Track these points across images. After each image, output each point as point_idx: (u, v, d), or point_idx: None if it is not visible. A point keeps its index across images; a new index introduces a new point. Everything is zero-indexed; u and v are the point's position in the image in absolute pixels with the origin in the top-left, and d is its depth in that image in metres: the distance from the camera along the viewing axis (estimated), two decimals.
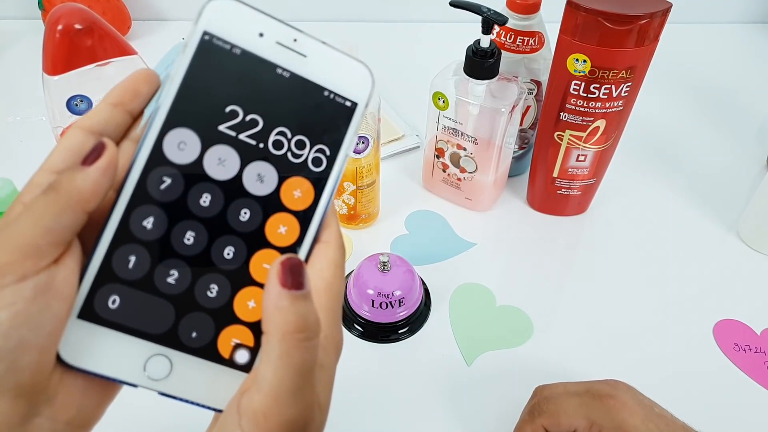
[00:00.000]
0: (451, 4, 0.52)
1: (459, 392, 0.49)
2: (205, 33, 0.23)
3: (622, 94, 0.52)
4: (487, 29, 0.52)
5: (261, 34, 0.23)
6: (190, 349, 0.23)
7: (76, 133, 0.23)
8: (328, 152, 0.24)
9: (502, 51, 0.55)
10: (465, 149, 0.59)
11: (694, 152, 0.73)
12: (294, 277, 0.22)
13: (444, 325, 0.53)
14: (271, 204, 0.24)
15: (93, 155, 0.22)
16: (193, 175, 0.23)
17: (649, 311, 0.55)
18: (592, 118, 0.54)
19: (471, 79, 0.54)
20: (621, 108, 0.53)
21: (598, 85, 0.51)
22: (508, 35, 0.57)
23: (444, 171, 0.63)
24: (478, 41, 0.53)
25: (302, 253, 0.24)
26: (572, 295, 0.57)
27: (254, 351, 0.23)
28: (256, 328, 0.23)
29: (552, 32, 0.55)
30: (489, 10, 0.51)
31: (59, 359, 0.21)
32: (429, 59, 0.65)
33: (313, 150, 0.24)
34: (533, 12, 0.56)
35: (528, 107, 0.62)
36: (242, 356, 0.23)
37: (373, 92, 0.25)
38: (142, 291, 0.22)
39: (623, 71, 0.50)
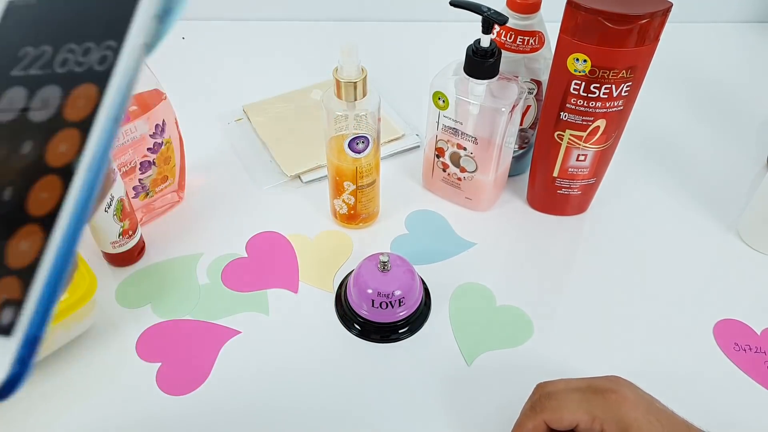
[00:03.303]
0: (451, 4, 0.52)
1: (459, 392, 0.49)
2: (8, 2, 0.23)
3: (623, 94, 0.52)
4: (487, 29, 0.52)
5: None
6: None
7: None
8: (114, 44, 0.21)
9: (503, 51, 0.55)
10: (465, 149, 0.59)
11: (694, 152, 0.73)
12: None
13: (444, 325, 0.53)
14: (54, 124, 0.21)
15: None
16: None
17: (649, 311, 0.55)
18: (592, 118, 0.54)
19: (471, 78, 0.54)
20: (621, 108, 0.53)
21: (598, 85, 0.51)
22: (509, 35, 0.57)
23: (444, 171, 0.63)
24: (478, 41, 0.53)
25: (82, 165, 0.20)
26: (572, 295, 0.57)
27: (19, 306, 0.19)
28: (26, 274, 0.19)
29: (552, 32, 0.55)
30: (489, 9, 0.51)
31: None
32: (429, 59, 0.65)
33: (100, 49, 0.21)
34: (533, 12, 0.56)
35: (528, 107, 0.62)
36: (6, 315, 0.19)
37: None
38: None
39: (623, 71, 0.50)
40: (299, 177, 0.67)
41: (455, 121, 0.57)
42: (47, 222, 0.19)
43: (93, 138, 0.20)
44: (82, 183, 0.20)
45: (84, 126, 0.20)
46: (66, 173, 0.20)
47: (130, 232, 0.55)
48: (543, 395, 0.40)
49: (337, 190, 0.58)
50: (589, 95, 0.52)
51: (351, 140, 0.53)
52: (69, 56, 0.22)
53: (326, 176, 0.60)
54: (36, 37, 0.23)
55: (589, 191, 0.62)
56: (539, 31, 0.57)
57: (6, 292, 0.19)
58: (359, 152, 0.54)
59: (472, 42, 0.54)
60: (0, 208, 0.20)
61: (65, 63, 0.22)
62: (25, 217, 0.20)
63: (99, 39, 0.22)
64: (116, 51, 0.21)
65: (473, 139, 0.57)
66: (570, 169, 0.59)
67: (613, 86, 0.51)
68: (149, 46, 0.22)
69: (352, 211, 0.60)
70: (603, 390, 0.39)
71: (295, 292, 0.56)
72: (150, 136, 0.56)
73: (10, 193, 0.20)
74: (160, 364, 0.50)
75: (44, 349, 0.48)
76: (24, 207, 0.20)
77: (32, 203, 0.20)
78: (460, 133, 0.58)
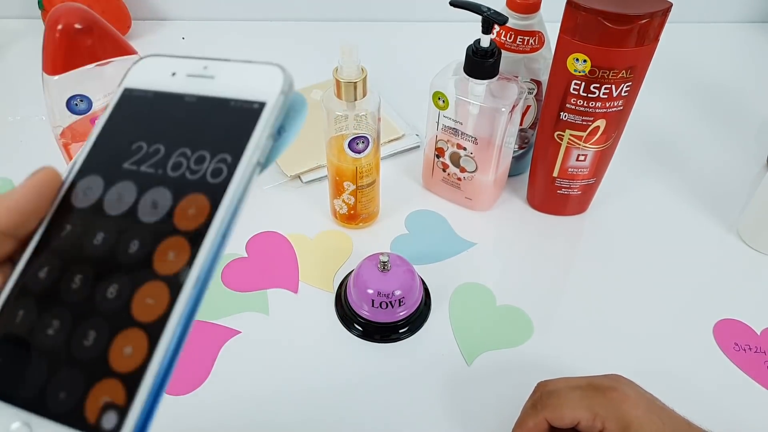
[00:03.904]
0: (451, 4, 0.52)
1: (459, 392, 0.49)
2: (125, 90, 0.25)
3: (622, 94, 0.52)
4: (487, 29, 0.52)
5: (173, 74, 0.24)
6: (53, 414, 0.19)
7: None
8: (230, 159, 0.22)
9: (502, 50, 0.55)
10: (465, 149, 0.59)
11: (694, 152, 0.73)
12: None
13: (444, 325, 0.53)
14: (163, 229, 0.21)
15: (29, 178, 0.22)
16: (92, 216, 0.22)
17: (649, 311, 0.55)
18: (592, 118, 0.54)
19: (471, 78, 0.54)
20: (621, 108, 0.53)
21: (598, 85, 0.51)
22: (508, 35, 0.57)
23: (444, 171, 0.63)
24: (478, 41, 0.53)
25: (190, 278, 0.20)
26: (572, 295, 0.57)
27: (124, 412, 0.19)
28: (131, 380, 0.19)
29: (552, 32, 0.55)
30: (489, 9, 0.51)
31: None
32: (429, 59, 0.65)
33: (214, 161, 0.22)
34: (533, 11, 0.56)
35: (528, 107, 0.62)
36: (110, 420, 0.19)
37: (288, 88, 0.23)
38: (22, 349, 0.21)
39: (623, 71, 0.50)
40: (299, 177, 0.67)
41: (455, 121, 0.57)
42: (152, 330, 0.20)
43: (203, 252, 0.20)
44: (189, 296, 0.20)
45: (193, 237, 0.21)
46: (173, 283, 0.20)
47: None
48: (544, 393, 0.40)
49: (337, 190, 0.58)
50: (589, 95, 0.52)
51: (351, 140, 0.53)
52: (182, 160, 0.22)
53: (326, 176, 0.60)
54: (150, 132, 0.23)
55: (589, 191, 0.62)
56: (539, 31, 0.58)
57: (109, 395, 0.19)
58: (359, 152, 0.54)
59: (472, 42, 0.54)
60: (104, 304, 0.20)
61: (178, 167, 0.22)
62: (130, 320, 0.20)
63: (214, 150, 0.22)
64: (231, 166, 0.22)
65: (473, 139, 0.57)
66: (570, 169, 0.59)
67: (613, 86, 0.51)
68: (262, 165, 0.23)
69: (352, 211, 0.60)
70: (604, 388, 0.39)
71: (295, 292, 0.56)
72: None
73: (115, 292, 0.21)
74: None
75: None
76: (129, 309, 0.20)
77: (137, 307, 0.20)
78: (460, 133, 0.58)
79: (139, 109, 0.24)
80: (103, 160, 0.23)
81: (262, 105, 0.23)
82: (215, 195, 0.21)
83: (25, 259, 0.22)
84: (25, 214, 0.21)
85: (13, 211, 0.21)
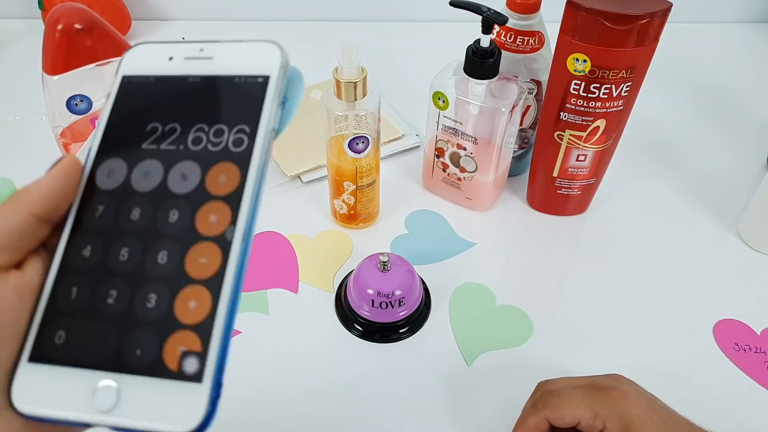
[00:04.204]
0: (451, 4, 0.52)
1: (459, 392, 0.49)
2: (123, 77, 0.26)
3: (622, 94, 0.52)
4: (487, 29, 0.52)
5: (170, 58, 0.26)
6: (136, 368, 0.21)
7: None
8: (248, 129, 0.24)
9: (502, 51, 0.55)
10: (465, 149, 0.59)
11: (694, 152, 0.73)
12: None
13: (444, 325, 0.53)
14: (198, 197, 0.23)
15: (52, 166, 0.23)
16: (123, 195, 0.24)
17: (649, 311, 0.55)
18: (592, 118, 0.54)
19: (471, 78, 0.54)
20: (621, 108, 0.53)
21: (598, 85, 0.51)
22: (508, 35, 0.57)
23: (444, 171, 0.63)
24: (478, 41, 0.53)
25: (237, 235, 0.22)
26: (572, 295, 0.57)
27: (203, 357, 0.21)
28: (202, 329, 0.21)
29: (552, 32, 0.55)
30: (489, 9, 0.51)
31: (12, 408, 0.21)
32: (429, 59, 0.65)
33: (233, 132, 0.24)
34: (533, 12, 0.56)
35: (528, 107, 0.62)
36: (191, 365, 0.21)
37: (286, 62, 0.25)
38: (86, 320, 0.22)
39: (623, 71, 0.50)
40: (299, 177, 0.67)
41: (455, 121, 0.57)
42: (211, 284, 0.22)
43: (243, 212, 0.23)
44: (239, 250, 0.22)
45: (230, 200, 0.23)
46: (222, 241, 0.22)
47: None
48: (545, 393, 0.41)
49: (337, 190, 0.58)
50: (589, 95, 0.52)
51: (351, 140, 0.53)
52: (201, 135, 0.24)
53: (326, 176, 0.60)
54: (161, 113, 0.25)
55: (589, 191, 0.62)
56: (539, 31, 0.58)
57: (184, 344, 0.21)
58: (359, 152, 0.54)
59: (472, 42, 0.54)
60: (156, 269, 0.22)
61: (198, 141, 0.24)
62: (187, 279, 0.22)
63: (230, 122, 0.24)
64: (250, 134, 0.24)
65: (473, 139, 0.57)
66: (570, 169, 0.59)
67: (613, 86, 0.51)
68: (275, 132, 0.25)
69: (352, 211, 0.60)
70: (604, 387, 0.39)
71: (295, 292, 0.56)
72: None
73: (166, 257, 0.23)
74: None
75: None
76: (184, 269, 0.22)
77: (192, 266, 0.22)
78: (460, 133, 0.58)
79: (144, 94, 0.25)
80: (120, 143, 0.25)
81: (266, 78, 0.25)
82: (242, 161, 0.23)
83: (64, 241, 0.23)
84: (56, 199, 0.23)
85: (45, 197, 0.22)
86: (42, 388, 0.22)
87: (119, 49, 0.51)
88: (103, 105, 0.26)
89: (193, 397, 0.21)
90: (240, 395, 0.48)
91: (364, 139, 0.53)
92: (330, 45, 0.60)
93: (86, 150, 0.25)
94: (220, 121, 0.24)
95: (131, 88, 0.26)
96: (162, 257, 0.23)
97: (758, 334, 0.53)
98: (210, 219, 0.23)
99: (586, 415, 0.38)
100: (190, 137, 0.24)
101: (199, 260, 0.22)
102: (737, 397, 0.49)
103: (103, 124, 0.25)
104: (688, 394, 0.48)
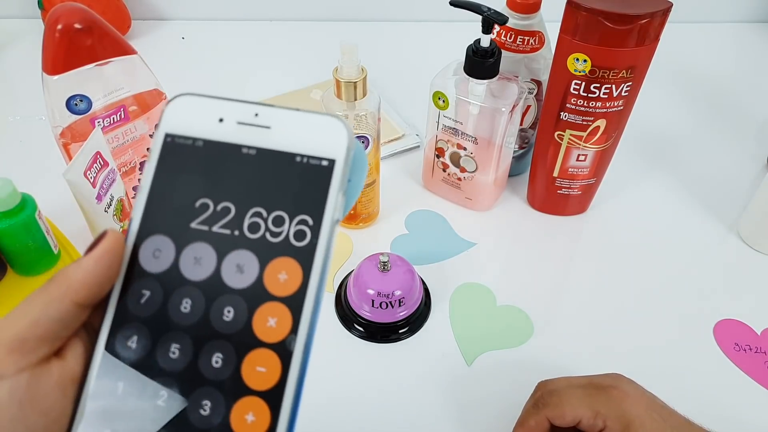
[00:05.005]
0: (451, 4, 0.52)
1: (459, 392, 0.49)
2: (167, 135, 0.23)
3: (623, 94, 0.52)
4: (487, 29, 0.52)
5: (221, 120, 0.23)
6: None
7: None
8: (311, 221, 0.22)
9: (503, 50, 0.55)
10: (465, 149, 0.59)
11: (694, 152, 0.73)
12: None
13: (444, 325, 0.53)
14: (256, 295, 0.21)
15: (93, 244, 0.21)
16: (171, 281, 0.22)
17: (649, 311, 0.55)
18: (592, 118, 0.54)
19: (471, 78, 0.54)
20: (621, 108, 0.53)
21: (598, 85, 0.51)
22: (509, 35, 0.57)
23: (444, 171, 0.63)
24: (478, 41, 0.53)
25: (299, 345, 0.21)
26: (572, 295, 0.57)
27: None
28: None
29: (552, 32, 0.55)
30: (489, 9, 0.51)
31: None
32: (429, 59, 0.65)
33: (294, 223, 0.22)
34: (533, 11, 0.56)
35: (528, 107, 0.62)
36: None
37: (351, 144, 0.23)
38: (132, 420, 0.21)
39: (623, 71, 0.50)
40: None
41: (455, 121, 0.57)
42: (269, 397, 0.21)
43: (305, 318, 0.21)
44: (300, 363, 0.21)
45: (291, 303, 0.21)
46: (281, 350, 0.21)
47: None
48: (545, 392, 0.41)
49: None
50: (589, 95, 0.52)
51: None
52: (258, 221, 0.22)
53: None
54: (213, 188, 0.22)
55: (589, 191, 0.62)
56: (539, 31, 0.58)
57: None
58: None
59: (472, 42, 0.54)
60: (210, 372, 0.21)
61: (256, 228, 0.22)
62: (245, 389, 0.21)
63: (291, 210, 0.22)
64: (313, 228, 0.22)
65: (473, 139, 0.57)
66: (570, 169, 0.59)
67: (613, 86, 0.51)
68: (338, 221, 0.22)
69: (352, 212, 0.60)
70: (605, 386, 0.39)
71: None
72: (150, 136, 0.56)
73: (221, 361, 0.21)
74: None
75: None
76: (239, 377, 0.21)
77: (249, 375, 0.21)
78: (460, 133, 0.58)
79: (191, 160, 0.23)
80: (167, 218, 0.22)
81: (332, 162, 0.22)
82: (304, 258, 0.21)
83: (107, 328, 0.22)
84: (99, 285, 0.21)
85: (89, 285, 0.21)
86: None
87: (119, 49, 0.51)
88: (145, 165, 0.23)
89: None
90: None
91: (364, 139, 0.53)
92: (330, 45, 0.60)
93: (132, 218, 0.23)
94: (279, 207, 0.22)
95: (176, 151, 0.23)
96: (217, 361, 0.21)
97: (758, 334, 0.53)
98: (269, 323, 0.21)
99: (586, 414, 0.38)
100: (246, 222, 0.22)
101: (257, 369, 0.21)
102: (737, 397, 0.49)
103: (146, 190, 0.23)
104: (688, 393, 0.48)
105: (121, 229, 0.54)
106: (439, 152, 0.61)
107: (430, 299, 0.55)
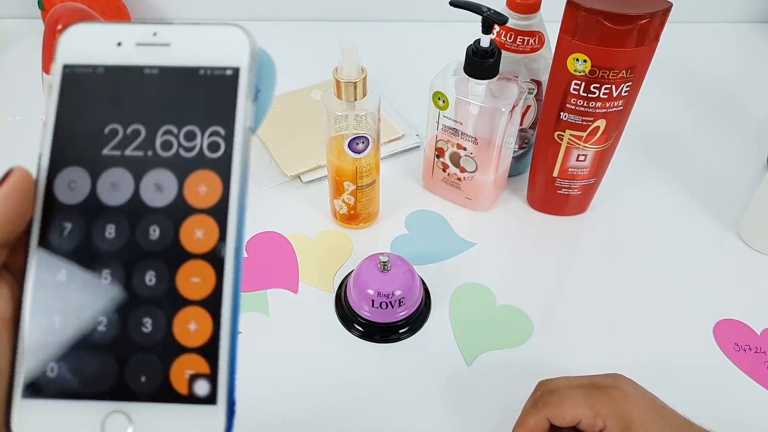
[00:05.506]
0: (451, 4, 0.52)
1: (459, 392, 0.49)
2: (65, 67, 0.23)
3: (623, 94, 0.52)
4: (487, 29, 0.52)
5: (119, 43, 0.22)
6: (143, 395, 0.21)
7: None
8: (222, 132, 0.22)
9: (502, 51, 0.55)
10: (465, 149, 0.59)
11: (694, 152, 0.73)
12: None
13: (444, 325, 0.53)
14: (178, 210, 0.21)
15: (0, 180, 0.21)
16: (91, 210, 0.22)
17: (649, 311, 0.55)
18: (592, 118, 0.54)
19: (471, 78, 0.54)
20: (621, 108, 0.53)
21: (598, 85, 0.51)
22: (508, 35, 0.57)
23: (444, 171, 0.63)
24: (478, 41, 0.53)
25: (229, 251, 0.21)
26: (572, 295, 0.57)
27: (213, 378, 0.21)
28: (207, 351, 0.21)
29: (552, 32, 0.55)
30: (489, 9, 0.51)
31: None
32: (429, 59, 0.65)
33: (206, 136, 0.22)
34: (533, 12, 0.56)
35: (528, 107, 0.62)
36: (202, 388, 0.21)
37: (255, 49, 0.22)
38: (77, 349, 0.21)
39: (623, 71, 0.50)
40: (299, 177, 0.67)
41: (455, 121, 0.57)
42: (209, 304, 0.21)
43: (231, 225, 0.21)
44: (233, 267, 0.21)
45: (215, 213, 0.21)
46: (213, 258, 0.21)
47: None
48: (545, 392, 0.41)
49: (337, 191, 0.58)
50: (589, 95, 0.52)
51: (351, 140, 0.53)
52: (170, 139, 0.22)
53: (326, 176, 0.60)
54: (119, 112, 0.22)
55: (589, 191, 0.62)
56: (539, 31, 0.58)
57: (191, 368, 0.21)
58: (359, 152, 0.54)
59: (472, 42, 0.54)
60: (147, 292, 0.21)
61: (168, 146, 0.22)
62: (182, 301, 0.21)
63: (201, 124, 0.22)
64: (226, 137, 0.22)
65: (473, 139, 0.57)
66: (570, 169, 0.59)
67: (613, 86, 0.51)
68: (252, 129, 0.22)
69: (352, 211, 0.60)
70: (605, 386, 0.39)
71: (295, 292, 0.56)
72: None
73: (155, 278, 0.21)
74: None
75: None
76: (176, 290, 0.21)
77: (185, 287, 0.21)
78: (460, 133, 0.58)
79: (94, 88, 0.22)
80: (77, 149, 0.22)
81: (236, 70, 0.22)
82: (222, 168, 0.22)
83: (33, 265, 0.21)
84: (11, 222, 0.21)
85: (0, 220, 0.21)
86: (45, 425, 0.20)
87: None
88: (45, 101, 0.23)
89: (210, 420, 0.21)
90: (239, 396, 0.48)
91: (364, 139, 0.53)
92: (330, 45, 0.60)
93: (39, 155, 0.23)
94: (189, 122, 0.22)
95: (77, 80, 0.22)
96: (150, 279, 0.21)
97: (758, 334, 0.53)
98: (196, 234, 0.21)
99: (586, 414, 0.38)
100: (158, 142, 0.22)
101: (192, 280, 0.21)
102: (737, 397, 0.49)
103: (51, 125, 0.22)
104: (688, 394, 0.48)
105: None
106: (439, 152, 0.61)
107: (430, 299, 0.55)
